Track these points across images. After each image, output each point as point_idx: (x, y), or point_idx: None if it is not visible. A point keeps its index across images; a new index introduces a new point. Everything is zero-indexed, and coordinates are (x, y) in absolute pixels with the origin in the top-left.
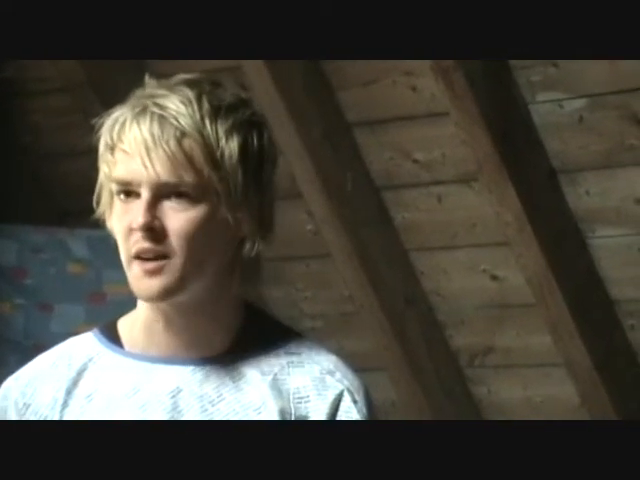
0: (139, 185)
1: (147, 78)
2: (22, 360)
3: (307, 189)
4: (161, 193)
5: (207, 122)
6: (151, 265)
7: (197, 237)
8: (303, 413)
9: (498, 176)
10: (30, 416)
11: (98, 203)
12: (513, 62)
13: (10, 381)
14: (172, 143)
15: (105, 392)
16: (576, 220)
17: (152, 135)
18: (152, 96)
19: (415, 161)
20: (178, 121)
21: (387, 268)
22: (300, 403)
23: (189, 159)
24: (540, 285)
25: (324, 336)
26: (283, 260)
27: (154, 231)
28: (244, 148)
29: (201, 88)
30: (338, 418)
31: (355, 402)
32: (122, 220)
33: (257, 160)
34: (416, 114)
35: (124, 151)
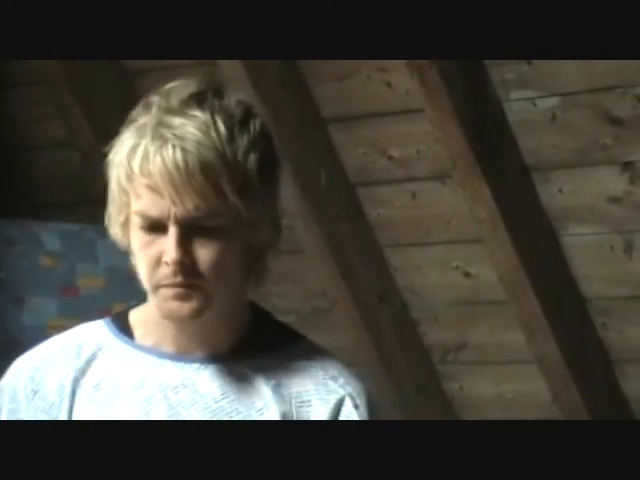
0: (167, 220)
1: (154, 97)
2: None
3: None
4: (189, 227)
5: (227, 148)
6: (181, 291)
7: (225, 263)
8: (305, 417)
9: (472, 173)
10: (38, 402)
11: (109, 222)
12: (488, 60)
13: (21, 362)
14: (198, 177)
15: (112, 382)
16: (549, 218)
17: (178, 170)
18: (169, 126)
19: (390, 157)
20: (200, 152)
21: (361, 264)
22: (302, 407)
23: (215, 190)
24: (513, 282)
25: None
26: None
27: (184, 265)
28: (261, 164)
29: (211, 106)
30: None
31: (356, 407)
32: (146, 251)
33: (271, 170)
34: (391, 110)
35: (149, 187)
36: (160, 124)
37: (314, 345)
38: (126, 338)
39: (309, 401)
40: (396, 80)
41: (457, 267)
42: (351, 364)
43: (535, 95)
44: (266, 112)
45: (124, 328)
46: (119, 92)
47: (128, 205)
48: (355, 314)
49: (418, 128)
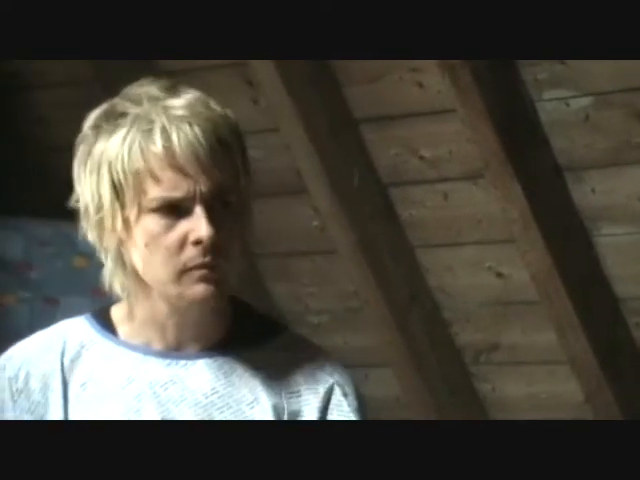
0: (191, 200)
1: (134, 90)
2: None
3: (313, 185)
4: (213, 205)
5: (229, 125)
6: (207, 273)
7: (240, 242)
8: (296, 408)
9: (504, 173)
10: (22, 402)
11: (100, 230)
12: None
13: (3, 360)
14: (219, 151)
15: (99, 381)
16: (581, 218)
17: (202, 146)
18: (176, 107)
19: (421, 158)
20: (214, 127)
21: (392, 264)
22: (292, 398)
23: (232, 165)
24: (545, 282)
25: (329, 332)
26: (289, 255)
27: (214, 244)
28: (244, 143)
29: (191, 91)
30: (329, 411)
31: (345, 395)
32: (166, 235)
33: (246, 150)
34: (422, 111)
35: (172, 166)
36: (166, 107)
37: (298, 336)
38: (110, 335)
39: (298, 391)
40: (428, 80)
41: (489, 267)
42: (382, 364)
43: (568, 95)
44: (298, 113)
45: (107, 325)
46: None
47: (136, 197)
48: (387, 314)
49: (449, 128)
